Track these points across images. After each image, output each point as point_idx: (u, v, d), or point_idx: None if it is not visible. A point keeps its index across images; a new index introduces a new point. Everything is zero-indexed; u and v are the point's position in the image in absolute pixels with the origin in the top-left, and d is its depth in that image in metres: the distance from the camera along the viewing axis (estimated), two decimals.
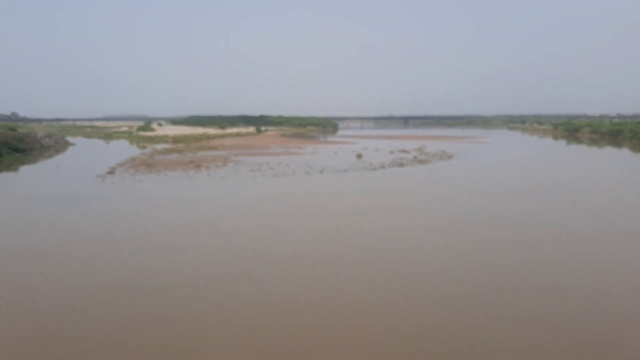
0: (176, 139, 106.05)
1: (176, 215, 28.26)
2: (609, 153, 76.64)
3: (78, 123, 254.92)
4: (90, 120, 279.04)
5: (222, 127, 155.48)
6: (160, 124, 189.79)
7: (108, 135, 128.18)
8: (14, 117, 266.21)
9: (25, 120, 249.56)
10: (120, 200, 33.54)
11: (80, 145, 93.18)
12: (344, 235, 23.48)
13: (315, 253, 20.74)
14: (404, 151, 70.46)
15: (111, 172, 47.12)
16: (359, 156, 62.75)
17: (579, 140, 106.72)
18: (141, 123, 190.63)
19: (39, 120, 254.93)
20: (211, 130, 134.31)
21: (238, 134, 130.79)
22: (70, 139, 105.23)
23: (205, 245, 21.71)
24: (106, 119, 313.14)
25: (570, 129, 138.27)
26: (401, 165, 52.97)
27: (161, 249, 21.24)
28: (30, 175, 50.68)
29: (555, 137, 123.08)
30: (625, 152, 76.14)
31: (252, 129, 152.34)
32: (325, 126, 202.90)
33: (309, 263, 19.31)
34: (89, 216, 28.10)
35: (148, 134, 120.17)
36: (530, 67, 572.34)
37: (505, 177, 45.53)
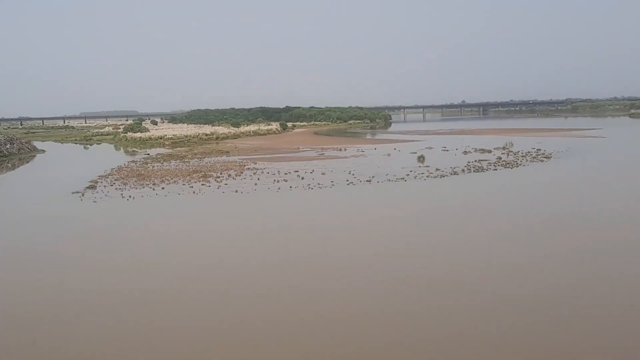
0: (176, 141, 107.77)
1: (176, 258, 28.34)
2: None
3: (48, 122, 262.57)
4: (64, 119, 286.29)
5: (236, 124, 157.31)
6: (154, 122, 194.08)
7: (87, 138, 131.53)
8: None
9: None
10: (103, 225, 34.14)
11: (52, 152, 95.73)
12: (413, 286, 23.25)
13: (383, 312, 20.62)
14: (483, 151, 69.60)
15: (92, 186, 48.10)
16: (421, 159, 62.26)
17: None
18: (130, 121, 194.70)
19: None
20: (221, 129, 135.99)
21: (257, 133, 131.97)
22: (38, 144, 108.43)
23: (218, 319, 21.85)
24: (85, 116, 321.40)
25: None
26: (480, 170, 52.30)
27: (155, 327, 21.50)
28: None
29: None
30: None
31: (275, 125, 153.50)
32: (374, 119, 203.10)
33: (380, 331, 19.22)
34: (53, 258, 28.68)
35: (139, 135, 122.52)
36: None
37: (633, 189, 44.15)
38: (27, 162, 79.05)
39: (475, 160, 58.92)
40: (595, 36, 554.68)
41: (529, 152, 66.64)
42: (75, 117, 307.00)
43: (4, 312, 19.96)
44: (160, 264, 24.93)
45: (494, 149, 71.25)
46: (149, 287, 21.81)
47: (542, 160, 58.83)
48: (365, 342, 16.26)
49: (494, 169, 52.75)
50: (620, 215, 32.09)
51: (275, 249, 26.79)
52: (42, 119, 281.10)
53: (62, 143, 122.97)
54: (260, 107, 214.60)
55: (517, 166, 54.77)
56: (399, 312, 18.46)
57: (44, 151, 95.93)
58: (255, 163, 63.57)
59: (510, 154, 65.29)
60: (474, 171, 51.51)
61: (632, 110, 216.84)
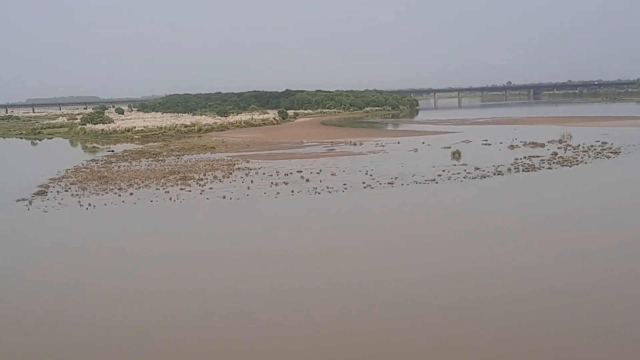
0: (148, 135, 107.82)
1: (139, 294, 28.30)
2: None
3: None
4: (6, 107, 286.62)
5: (223, 112, 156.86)
6: (120, 111, 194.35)
7: (36, 132, 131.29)
8: None
9: None
10: (54, 243, 34.07)
11: None
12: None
13: None
14: (534, 144, 69.37)
15: (41, 192, 48.04)
16: (456, 155, 62.04)
17: None
18: (90, 110, 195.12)
19: None
20: (205, 119, 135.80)
21: (249, 124, 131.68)
22: None
23: None
24: (32, 104, 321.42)
25: None
26: (531, 168, 52.09)
27: None
28: None
29: None
30: None
31: (272, 114, 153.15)
32: (397, 105, 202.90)
33: None
34: None
35: (101, 127, 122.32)
36: None
37: None
38: None
39: (525, 157, 58.65)
40: None
41: (591, 145, 66.27)
42: (20, 105, 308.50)
43: None
44: (119, 298, 24.79)
45: (548, 142, 70.96)
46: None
47: (608, 157, 58.54)
48: None
49: (549, 167, 52.55)
50: None
51: (275, 282, 25.51)
52: None
53: (3, 138, 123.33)
54: (254, 92, 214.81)
55: (577, 163, 54.49)
56: None
57: None
58: (248, 161, 63.53)
59: (569, 148, 65.00)
60: (524, 170, 51.31)
61: None
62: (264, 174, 54.02)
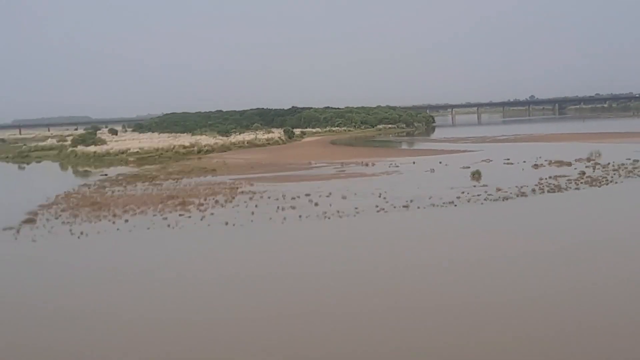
0: (143, 157, 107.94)
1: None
2: None
3: None
4: None
5: (225, 132, 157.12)
6: (113, 131, 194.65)
7: (23, 155, 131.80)
8: None
9: None
10: (45, 275, 34.13)
11: None
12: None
13: None
14: (560, 163, 69.29)
15: (30, 220, 48.14)
16: (476, 175, 62.00)
17: None
18: (81, 131, 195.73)
19: None
20: (205, 139, 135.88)
21: (253, 144, 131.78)
22: None
23: None
24: (19, 125, 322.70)
25: None
26: (557, 189, 52.02)
27: None
28: None
29: None
30: None
31: (277, 133, 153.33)
32: (412, 123, 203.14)
33: None
34: None
35: (93, 149, 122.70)
36: None
37: None
38: None
39: (550, 177, 58.63)
40: None
41: (622, 164, 66.21)
42: (6, 127, 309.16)
43: None
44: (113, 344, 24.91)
45: (575, 160, 70.95)
46: None
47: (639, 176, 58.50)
48: None
49: (576, 188, 52.52)
50: None
51: (281, 325, 25.36)
52: None
53: None
54: (258, 109, 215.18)
55: (607, 183, 54.48)
56: None
57: None
58: (252, 184, 63.60)
59: (598, 167, 65.01)
60: (549, 191, 51.28)
61: None
62: (269, 197, 54.06)
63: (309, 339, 23.03)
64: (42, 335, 24.32)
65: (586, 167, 65.12)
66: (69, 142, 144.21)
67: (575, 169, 64.08)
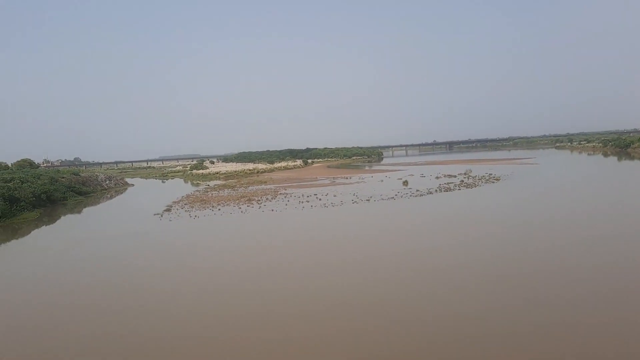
0: (228, 175, 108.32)
1: (230, 255, 28.51)
2: None
3: (136, 164, 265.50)
4: (147, 161, 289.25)
5: (271, 161, 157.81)
6: (212, 162, 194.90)
7: (164, 175, 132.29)
8: (76, 162, 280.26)
9: (88, 164, 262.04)
10: (176, 237, 34.22)
11: (138, 186, 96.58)
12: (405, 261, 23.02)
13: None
14: (450, 176, 69.15)
15: (168, 209, 48.34)
16: (405, 183, 61.95)
17: (630, 156, 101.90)
18: (194, 162, 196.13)
19: (100, 164, 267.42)
20: (260, 165, 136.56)
21: (286, 168, 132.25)
22: (128, 179, 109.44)
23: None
24: (162, 159, 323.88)
25: (621, 145, 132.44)
26: (448, 190, 51.87)
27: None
28: (92, 217, 52.66)
29: (605, 154, 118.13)
30: None
31: (299, 162, 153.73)
32: (370, 155, 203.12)
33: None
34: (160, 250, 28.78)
35: (201, 171, 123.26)
36: (575, 85, 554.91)
37: (553, 199, 43.67)
38: (122, 193, 79.72)
39: (445, 183, 58.49)
40: (525, 88, 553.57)
41: (483, 176, 66.09)
42: (155, 160, 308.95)
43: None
44: (219, 262, 24.99)
45: (458, 174, 70.81)
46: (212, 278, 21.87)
47: (493, 182, 58.32)
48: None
49: (459, 189, 52.30)
50: (547, 212, 31.74)
51: (298, 248, 26.85)
52: (132, 161, 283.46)
53: (145, 179, 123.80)
54: (288, 149, 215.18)
55: (475, 186, 54.30)
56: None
57: (133, 185, 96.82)
58: (286, 189, 63.57)
59: (470, 178, 64.80)
60: (444, 191, 51.12)
61: (557, 144, 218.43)
62: (295, 196, 53.98)
63: (311, 245, 23.60)
64: (188, 252, 24.68)
65: (464, 178, 64.95)
66: (188, 168, 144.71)
67: (458, 179, 63.87)
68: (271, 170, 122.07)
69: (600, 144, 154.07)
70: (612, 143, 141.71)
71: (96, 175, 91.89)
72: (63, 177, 75.44)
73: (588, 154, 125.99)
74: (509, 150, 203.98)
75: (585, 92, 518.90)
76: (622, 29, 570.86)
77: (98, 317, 17.99)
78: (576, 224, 30.45)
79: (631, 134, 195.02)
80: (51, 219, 50.11)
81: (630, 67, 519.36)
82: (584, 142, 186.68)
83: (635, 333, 13.98)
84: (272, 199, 52.64)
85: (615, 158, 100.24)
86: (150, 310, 18.45)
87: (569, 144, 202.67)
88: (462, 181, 60.10)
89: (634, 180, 57.79)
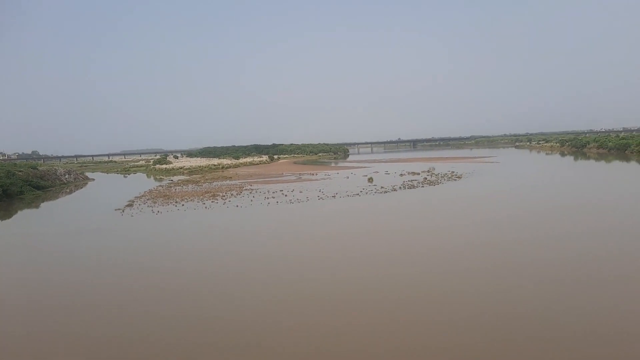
0: (192, 170, 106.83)
1: (190, 250, 28.14)
2: (618, 167, 75.52)
3: (96, 159, 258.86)
4: (108, 155, 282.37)
5: (236, 157, 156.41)
6: (176, 157, 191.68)
7: (126, 170, 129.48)
8: (34, 156, 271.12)
9: (46, 158, 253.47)
10: (137, 232, 33.53)
11: (99, 180, 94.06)
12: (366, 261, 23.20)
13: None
14: (414, 173, 70.07)
15: (130, 204, 47.29)
16: (370, 180, 62.48)
17: (586, 156, 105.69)
18: (158, 156, 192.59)
19: (59, 158, 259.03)
20: (225, 161, 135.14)
21: (252, 163, 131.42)
22: (89, 174, 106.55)
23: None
24: (124, 153, 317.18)
25: (577, 144, 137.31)
26: (412, 187, 52.58)
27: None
28: (50, 211, 51.03)
29: (562, 153, 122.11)
30: (634, 165, 74.94)
31: (265, 157, 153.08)
32: (337, 152, 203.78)
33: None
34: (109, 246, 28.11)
35: (164, 166, 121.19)
36: (534, 87, 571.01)
37: (513, 196, 44.85)
38: (81, 187, 77.51)
39: (408, 181, 59.25)
40: (487, 88, 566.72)
41: (446, 173, 67.26)
42: (117, 154, 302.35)
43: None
44: (176, 255, 24.63)
45: (421, 172, 71.87)
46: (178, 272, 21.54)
47: (455, 180, 59.43)
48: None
49: (422, 186, 53.08)
50: (508, 205, 32.62)
51: (263, 240, 26.79)
52: (92, 155, 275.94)
53: (107, 173, 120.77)
54: (254, 145, 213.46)
55: (438, 184, 55.22)
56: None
57: (93, 179, 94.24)
58: (251, 185, 63.12)
59: (433, 175, 65.84)
60: (408, 188, 51.79)
61: (517, 143, 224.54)
62: (260, 192, 53.67)
63: (283, 230, 23.35)
64: (145, 248, 24.17)
65: (427, 175, 65.93)
66: (151, 162, 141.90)
67: (421, 176, 64.77)
68: (236, 166, 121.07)
69: (558, 144, 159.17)
70: (569, 143, 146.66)
71: (55, 169, 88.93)
72: (20, 171, 72.81)
73: (546, 153, 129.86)
74: (471, 148, 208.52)
75: (543, 94, 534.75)
76: (581, 35, 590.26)
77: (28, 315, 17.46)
78: (536, 221, 31.37)
79: (587, 135, 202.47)
80: (7, 213, 48.33)
81: (586, 71, 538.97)
82: (543, 141, 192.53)
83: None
84: (237, 194, 52.17)
85: (572, 157, 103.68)
86: (79, 308, 18.02)
87: (528, 143, 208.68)
88: (426, 178, 61.01)
89: (589, 179, 59.90)
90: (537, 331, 14.06)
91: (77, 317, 17.14)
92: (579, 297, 16.83)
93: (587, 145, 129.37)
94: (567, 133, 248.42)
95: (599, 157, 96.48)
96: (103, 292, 19.79)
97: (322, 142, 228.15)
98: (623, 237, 25.43)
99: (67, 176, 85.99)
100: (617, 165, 77.71)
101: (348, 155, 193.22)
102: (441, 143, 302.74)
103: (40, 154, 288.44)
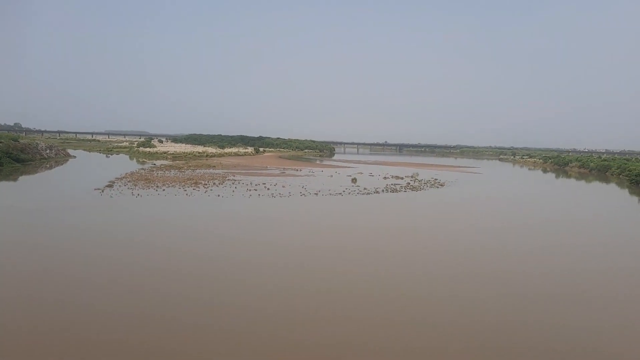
0: (176, 156, 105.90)
1: (166, 236, 27.98)
2: (597, 187, 76.88)
3: (80, 136, 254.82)
4: (92, 134, 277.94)
5: (221, 146, 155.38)
6: (160, 141, 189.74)
7: (109, 150, 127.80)
8: (16, 128, 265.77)
9: (28, 131, 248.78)
10: (116, 214, 33.17)
11: (81, 158, 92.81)
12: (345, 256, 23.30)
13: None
14: (397, 177, 70.42)
15: (110, 185, 46.76)
16: (354, 180, 62.67)
17: (567, 174, 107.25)
18: (142, 139, 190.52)
19: (41, 132, 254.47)
20: (210, 149, 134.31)
21: (236, 154, 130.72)
22: (71, 151, 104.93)
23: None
24: (108, 133, 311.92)
25: (560, 162, 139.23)
26: (394, 191, 52.85)
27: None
28: (28, 186, 50.23)
29: (545, 170, 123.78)
30: (612, 187, 76.36)
31: (250, 149, 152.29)
32: (323, 150, 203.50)
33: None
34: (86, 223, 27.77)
35: (148, 149, 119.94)
36: (521, 102, 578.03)
37: (494, 209, 45.46)
38: (62, 164, 76.41)
39: (392, 184, 59.54)
40: (477, 102, 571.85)
41: (429, 180, 67.74)
42: (101, 133, 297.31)
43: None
44: (153, 239, 24.45)
45: (405, 176, 72.25)
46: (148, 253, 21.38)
47: (437, 187, 59.91)
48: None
49: (404, 191, 53.40)
50: (487, 212, 33.05)
51: (242, 231, 26.76)
52: (75, 133, 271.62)
53: (89, 152, 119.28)
54: (241, 135, 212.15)
55: (420, 190, 55.60)
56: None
57: (75, 157, 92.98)
58: (234, 176, 62.85)
59: (416, 181, 66.24)
60: (390, 191, 52.06)
61: (501, 156, 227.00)
62: (243, 183, 53.48)
63: (262, 217, 23.34)
64: (124, 228, 23.91)
65: (410, 180, 66.30)
66: (135, 145, 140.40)
67: (405, 181, 65.11)
68: (221, 155, 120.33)
69: (541, 160, 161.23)
70: (552, 160, 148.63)
71: (36, 143, 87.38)
72: (0, 142, 71.47)
73: (529, 169, 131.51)
74: (456, 157, 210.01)
75: (531, 110, 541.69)
76: (572, 54, 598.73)
77: None
78: (512, 234, 31.87)
79: (570, 153, 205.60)
80: None
81: (573, 92, 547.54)
82: (526, 156, 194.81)
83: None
84: (219, 184, 51.92)
85: (554, 175, 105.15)
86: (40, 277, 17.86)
87: (512, 157, 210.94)
88: (409, 184, 61.38)
89: (564, 197, 60.86)
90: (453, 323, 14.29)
91: (35, 284, 16.95)
92: (513, 293, 17.18)
93: (569, 164, 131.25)
94: (551, 150, 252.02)
95: (580, 177, 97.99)
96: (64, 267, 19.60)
97: (309, 139, 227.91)
98: (581, 255, 26.00)
99: (48, 151, 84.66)
100: (596, 186, 79.06)
101: (334, 154, 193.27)
102: (427, 149, 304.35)
103: (23, 126, 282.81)
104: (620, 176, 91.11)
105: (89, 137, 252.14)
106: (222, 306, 16.64)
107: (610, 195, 66.80)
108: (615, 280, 21.97)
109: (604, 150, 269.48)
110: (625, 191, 67.75)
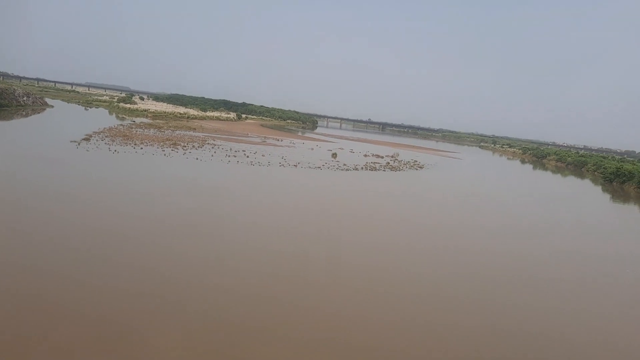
0: (156, 115, 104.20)
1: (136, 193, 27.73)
2: (571, 182, 78.45)
3: (59, 86, 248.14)
4: (72, 84, 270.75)
5: (204, 109, 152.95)
6: (142, 98, 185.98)
7: (88, 102, 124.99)
8: None
9: (5, 75, 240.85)
10: (91, 169, 32.70)
11: (59, 108, 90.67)
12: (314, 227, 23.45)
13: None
14: (378, 156, 70.72)
15: (87, 139, 45.89)
16: (334, 155, 62.72)
17: (544, 167, 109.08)
18: (123, 94, 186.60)
19: (19, 78, 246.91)
20: (192, 111, 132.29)
21: (218, 118, 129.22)
22: (49, 100, 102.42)
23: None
24: (88, 85, 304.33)
25: (538, 154, 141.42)
26: (373, 169, 53.13)
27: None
28: (1, 132, 49.03)
29: (523, 161, 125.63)
30: (587, 183, 77.99)
31: (232, 115, 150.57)
32: (305, 122, 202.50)
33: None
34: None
35: (129, 106, 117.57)
36: (506, 93, 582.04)
37: (471, 192, 46.13)
38: (39, 113, 74.67)
39: (371, 162, 59.78)
40: (461, 90, 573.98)
41: (409, 161, 68.18)
42: (81, 85, 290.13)
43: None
44: (127, 196, 24.26)
45: (386, 156, 72.58)
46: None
47: (417, 169, 60.44)
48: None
49: (383, 170, 53.73)
50: (459, 195, 33.61)
51: (213, 194, 26.71)
52: (55, 82, 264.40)
53: (68, 103, 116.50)
54: (224, 100, 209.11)
55: (399, 170, 56.02)
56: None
57: (52, 107, 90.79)
58: (214, 140, 62.29)
59: (396, 161, 66.63)
60: (369, 170, 52.31)
61: (482, 143, 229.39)
62: (222, 149, 53.06)
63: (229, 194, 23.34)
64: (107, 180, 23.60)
65: (390, 160, 66.66)
66: (115, 100, 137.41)
67: (385, 160, 65.44)
68: (202, 118, 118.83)
69: (520, 151, 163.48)
70: (531, 152, 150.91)
71: (13, 89, 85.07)
72: None
73: (508, 158, 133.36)
74: (437, 141, 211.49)
75: (515, 102, 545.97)
76: (558, 50, 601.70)
77: None
78: (470, 218, 32.50)
79: (549, 146, 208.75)
80: None
81: (557, 88, 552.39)
82: (507, 146, 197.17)
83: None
84: (198, 147, 51.43)
85: (531, 166, 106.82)
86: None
87: (492, 145, 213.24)
88: (388, 163, 61.71)
89: (536, 188, 62.05)
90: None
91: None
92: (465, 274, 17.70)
93: (547, 157, 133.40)
94: (531, 142, 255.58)
95: (556, 170, 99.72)
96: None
97: (292, 109, 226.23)
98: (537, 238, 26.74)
99: (25, 98, 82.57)
100: (570, 181, 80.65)
101: (316, 127, 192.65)
102: (409, 130, 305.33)
103: (0, 70, 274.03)
104: (595, 173, 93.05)
105: (69, 87, 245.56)
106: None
107: (584, 190, 68.30)
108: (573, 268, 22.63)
109: (582, 146, 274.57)
110: (599, 188, 69.29)
